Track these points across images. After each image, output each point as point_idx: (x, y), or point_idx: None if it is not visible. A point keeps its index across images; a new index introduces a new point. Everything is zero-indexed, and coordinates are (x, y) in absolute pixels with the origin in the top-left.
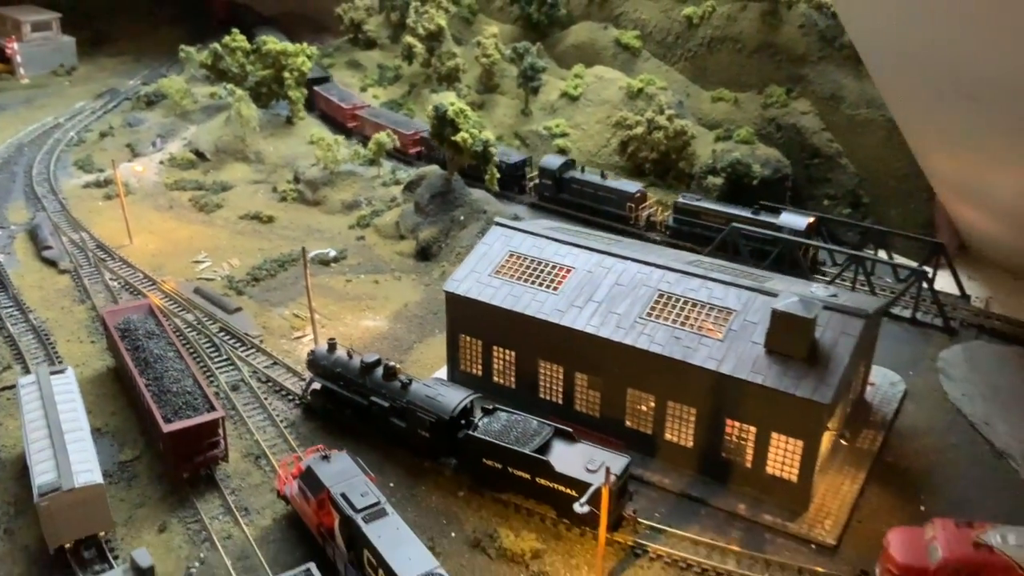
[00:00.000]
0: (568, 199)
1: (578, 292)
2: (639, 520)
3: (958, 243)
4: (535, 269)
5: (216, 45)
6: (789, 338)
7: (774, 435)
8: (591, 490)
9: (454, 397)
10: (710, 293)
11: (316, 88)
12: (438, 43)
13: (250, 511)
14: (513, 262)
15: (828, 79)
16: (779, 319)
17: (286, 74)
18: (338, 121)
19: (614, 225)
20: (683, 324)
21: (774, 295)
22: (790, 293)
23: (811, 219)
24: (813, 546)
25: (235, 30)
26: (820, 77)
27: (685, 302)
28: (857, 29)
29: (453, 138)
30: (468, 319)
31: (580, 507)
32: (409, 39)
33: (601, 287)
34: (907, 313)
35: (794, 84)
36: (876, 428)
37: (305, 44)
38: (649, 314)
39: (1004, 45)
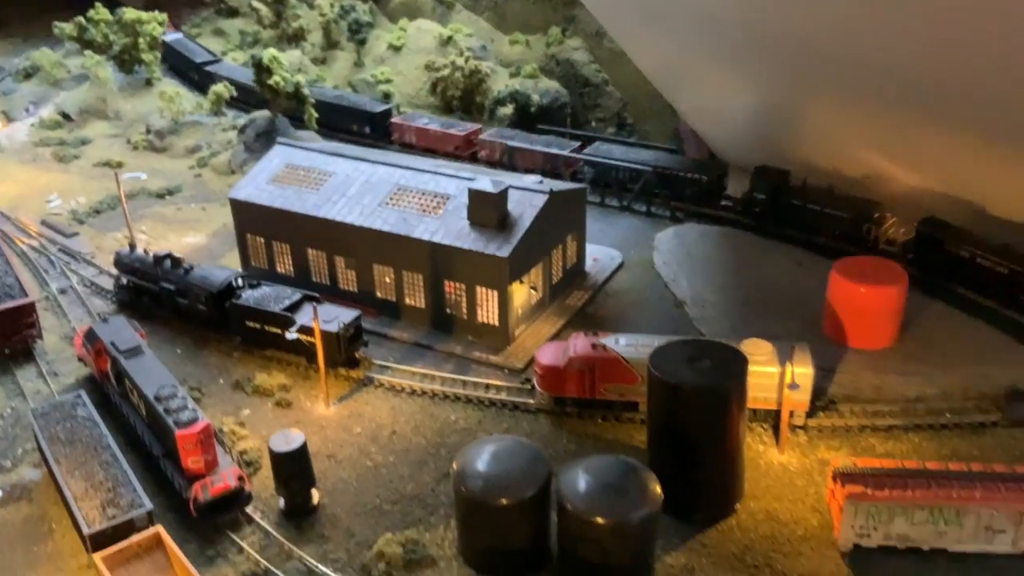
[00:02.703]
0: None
1: (335, 191)
2: (371, 361)
3: (707, 149)
4: (304, 176)
5: (80, 18)
6: (483, 211)
7: (478, 288)
8: (321, 331)
9: (221, 275)
10: (436, 184)
11: (397, 120)
12: (283, 6)
13: (59, 375)
14: (288, 172)
15: (593, 18)
16: (474, 196)
17: (140, 40)
18: (446, 153)
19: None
20: (411, 208)
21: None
22: (486, 178)
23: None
24: (506, 370)
25: (99, 3)
26: (587, 16)
27: (416, 192)
28: None
29: (268, 82)
30: (251, 221)
31: (290, 334)
32: (255, 2)
33: (354, 186)
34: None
35: (568, 24)
36: (587, 290)
37: (157, 12)
38: (386, 203)
39: None
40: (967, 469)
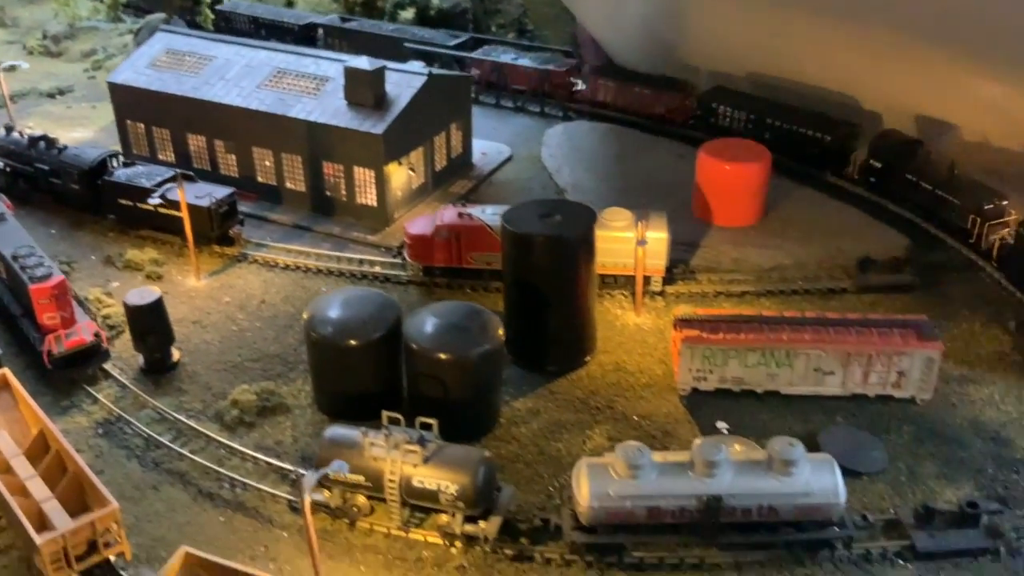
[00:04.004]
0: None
1: (214, 74)
2: (246, 239)
3: (604, 55)
4: (184, 61)
5: None
6: (359, 89)
7: (356, 169)
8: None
9: (94, 153)
10: (317, 67)
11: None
12: None
13: None
14: (168, 57)
15: None
16: (350, 74)
17: None
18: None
19: None
20: (290, 90)
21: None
22: (364, 58)
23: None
24: (383, 249)
25: None
26: None
27: (295, 75)
28: None
29: None
30: (130, 106)
31: (153, 199)
32: None
33: (233, 69)
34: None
35: None
36: (472, 179)
37: None
38: (265, 85)
39: None
40: (801, 315)
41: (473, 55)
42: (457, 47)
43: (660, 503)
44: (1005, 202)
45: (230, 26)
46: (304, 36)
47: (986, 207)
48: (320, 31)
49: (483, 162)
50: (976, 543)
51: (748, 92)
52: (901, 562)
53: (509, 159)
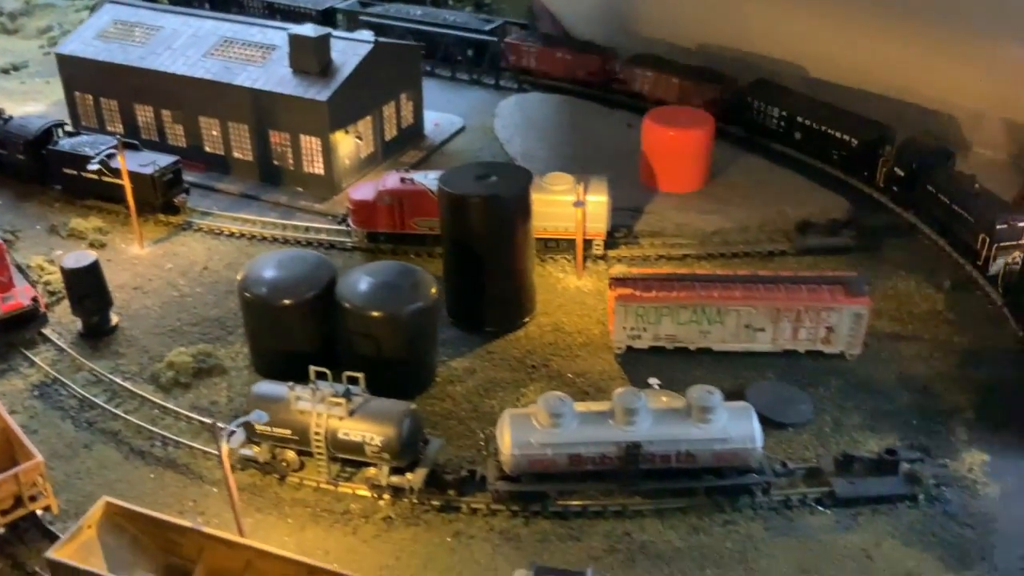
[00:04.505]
0: None
1: (160, 43)
2: (192, 208)
3: (561, 27)
4: (131, 31)
5: None
6: (304, 57)
7: (302, 137)
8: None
9: (39, 123)
10: (263, 36)
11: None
12: None
13: None
14: (116, 27)
15: None
16: (294, 41)
17: None
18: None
19: None
20: (235, 59)
21: None
22: (309, 25)
23: None
24: (330, 217)
25: None
26: None
27: (242, 43)
28: None
29: None
30: (78, 77)
31: (92, 164)
32: None
33: (180, 38)
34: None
35: None
36: (423, 150)
37: None
38: (211, 54)
39: None
40: (732, 274)
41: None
42: (492, 31)
43: (581, 451)
44: (1022, 223)
45: (243, 12)
46: (324, 22)
47: (998, 226)
48: (340, 16)
49: (435, 133)
50: (895, 489)
51: (790, 87)
52: (820, 508)
53: (462, 130)
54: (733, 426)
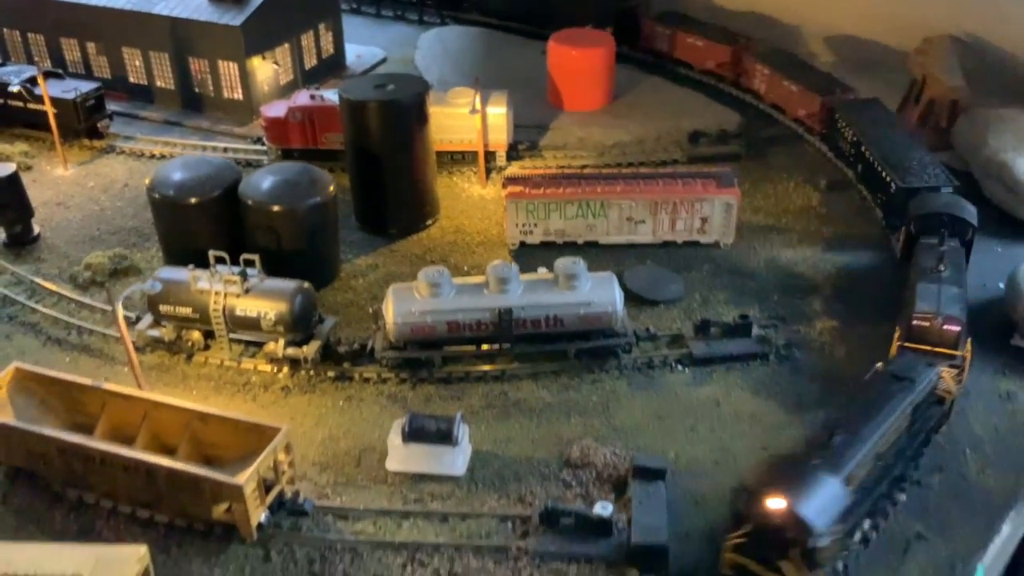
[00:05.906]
0: None
1: None
2: (115, 133)
3: None
4: None
5: None
6: None
7: (220, 63)
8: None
9: None
10: None
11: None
12: None
13: None
14: None
15: None
16: None
17: None
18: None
19: None
20: None
21: None
22: None
23: None
24: (250, 140)
25: None
26: None
27: None
28: None
29: None
30: (4, 12)
31: (12, 88)
32: None
33: None
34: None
35: None
36: (344, 79)
37: None
38: None
39: None
40: (616, 171)
41: None
42: None
43: (459, 317)
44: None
45: None
46: None
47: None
48: None
49: (357, 64)
50: (747, 349)
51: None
52: (680, 367)
53: (383, 61)
54: (596, 292)
